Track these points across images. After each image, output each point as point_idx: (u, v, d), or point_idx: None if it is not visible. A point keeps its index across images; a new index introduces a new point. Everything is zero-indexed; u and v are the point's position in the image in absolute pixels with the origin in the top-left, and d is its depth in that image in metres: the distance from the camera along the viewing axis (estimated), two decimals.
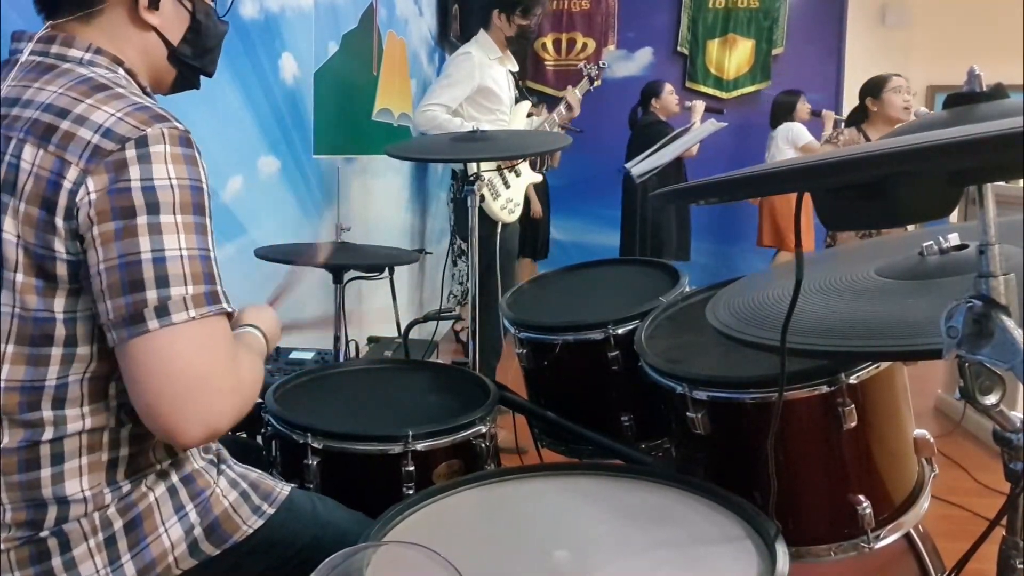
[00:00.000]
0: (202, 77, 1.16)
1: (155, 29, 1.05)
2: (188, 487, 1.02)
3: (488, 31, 3.35)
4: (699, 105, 4.75)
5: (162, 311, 0.87)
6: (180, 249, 0.89)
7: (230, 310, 0.94)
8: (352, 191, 3.40)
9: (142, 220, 0.87)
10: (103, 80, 0.94)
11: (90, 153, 0.87)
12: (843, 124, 3.68)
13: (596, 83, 3.85)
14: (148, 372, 0.87)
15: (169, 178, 0.89)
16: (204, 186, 0.93)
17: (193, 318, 0.88)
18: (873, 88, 3.57)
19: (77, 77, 0.94)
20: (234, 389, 0.93)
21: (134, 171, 0.87)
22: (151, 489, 0.99)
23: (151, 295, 0.87)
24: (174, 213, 0.89)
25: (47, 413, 0.91)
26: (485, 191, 3.20)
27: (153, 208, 0.88)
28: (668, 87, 4.87)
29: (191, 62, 1.11)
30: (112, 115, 0.89)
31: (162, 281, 0.87)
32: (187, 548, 1.00)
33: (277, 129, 2.56)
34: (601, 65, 3.93)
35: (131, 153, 0.88)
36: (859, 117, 3.67)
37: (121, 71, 1.01)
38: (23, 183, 0.88)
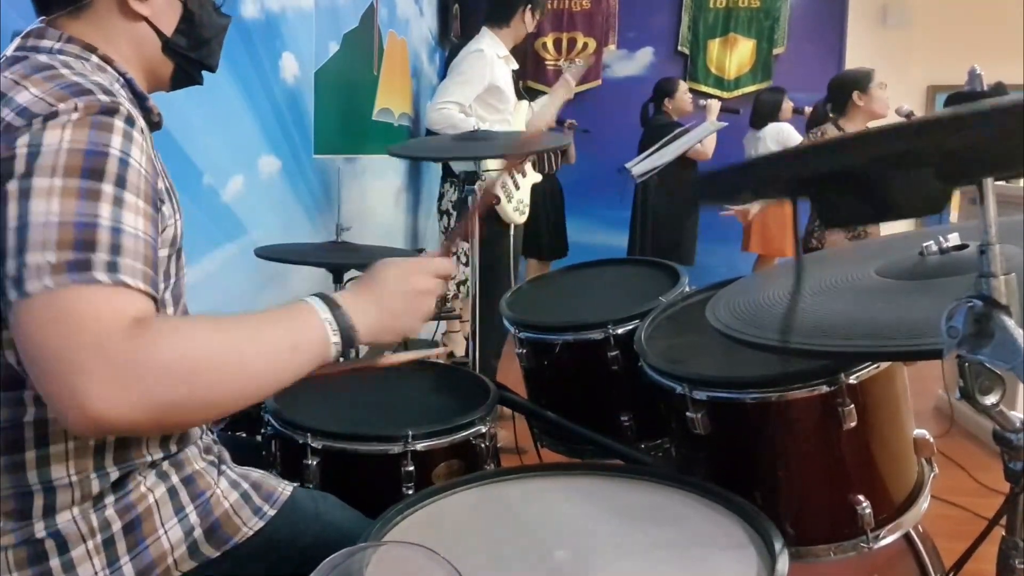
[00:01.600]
0: (204, 73, 1.14)
1: (146, 19, 1.03)
2: (188, 488, 1.02)
3: (504, 28, 3.30)
4: (714, 104, 4.64)
5: (18, 281, 0.78)
6: (48, 214, 0.79)
7: (105, 280, 0.80)
8: (352, 191, 3.40)
9: (13, 186, 0.80)
10: (50, 62, 0.91)
11: (3, 132, 0.83)
12: (828, 122, 3.58)
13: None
14: (20, 345, 0.80)
15: (60, 143, 0.82)
16: (113, 151, 0.84)
17: (48, 287, 0.78)
18: (860, 82, 3.49)
19: (31, 64, 0.91)
20: (123, 366, 0.77)
21: (23, 138, 0.82)
22: (151, 491, 0.98)
23: (11, 265, 0.79)
24: (52, 176, 0.80)
25: (28, 392, 0.89)
26: (501, 193, 3.19)
27: (28, 173, 0.80)
28: (683, 86, 4.78)
29: (188, 54, 1.08)
30: (34, 95, 0.85)
31: (22, 248, 0.79)
32: (187, 550, 0.99)
33: (277, 129, 2.56)
34: (577, 63, 4.01)
35: (36, 127, 0.83)
36: (836, 113, 3.58)
37: (94, 58, 0.98)
38: None
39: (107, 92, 0.88)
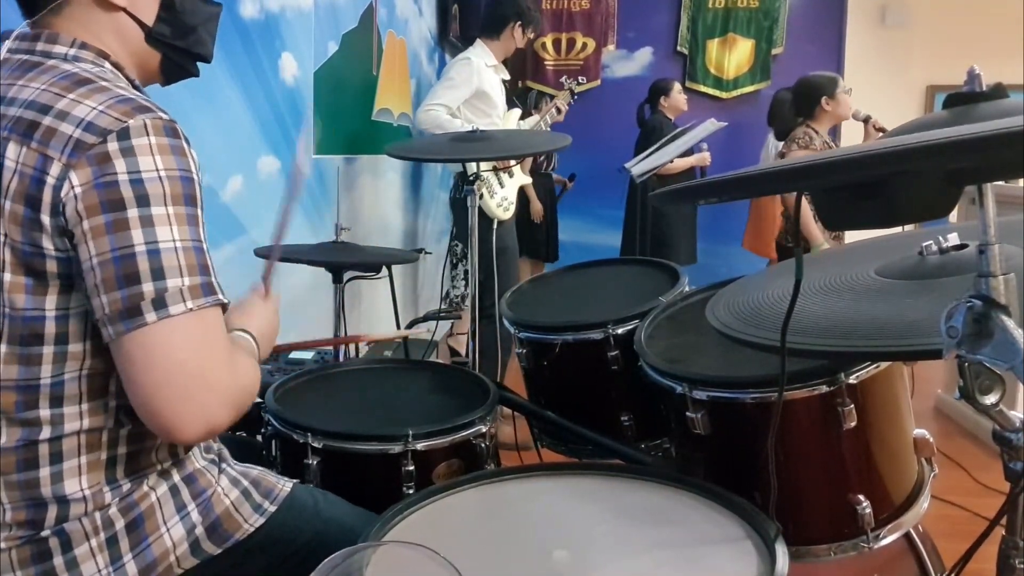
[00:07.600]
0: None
1: (124, 10, 1.01)
2: (190, 487, 1.02)
3: (494, 41, 3.48)
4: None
5: (159, 303, 0.86)
6: (174, 241, 0.87)
7: (225, 301, 0.92)
8: (352, 191, 3.40)
9: (133, 213, 0.86)
10: (87, 74, 0.93)
11: (72, 147, 0.86)
12: (800, 126, 3.62)
13: (572, 100, 4.18)
14: (145, 367, 0.86)
15: (157, 169, 0.87)
16: (194, 176, 0.91)
17: (191, 309, 0.87)
18: (828, 88, 3.59)
19: (61, 73, 0.92)
20: (231, 384, 0.92)
21: (119, 164, 0.86)
22: (153, 489, 0.99)
23: (147, 288, 0.85)
24: (165, 204, 0.87)
25: (44, 412, 0.90)
26: (483, 189, 3.29)
27: (143, 200, 0.86)
28: (677, 85, 4.84)
29: (174, 43, 1.06)
30: (94, 108, 0.88)
31: (158, 273, 0.86)
32: (189, 548, 1.00)
33: (277, 129, 2.56)
34: (580, 81, 4.14)
35: (113, 146, 0.86)
36: (803, 116, 3.62)
37: (107, 65, 0.99)
38: (7, 181, 0.87)
39: (155, 106, 0.92)
